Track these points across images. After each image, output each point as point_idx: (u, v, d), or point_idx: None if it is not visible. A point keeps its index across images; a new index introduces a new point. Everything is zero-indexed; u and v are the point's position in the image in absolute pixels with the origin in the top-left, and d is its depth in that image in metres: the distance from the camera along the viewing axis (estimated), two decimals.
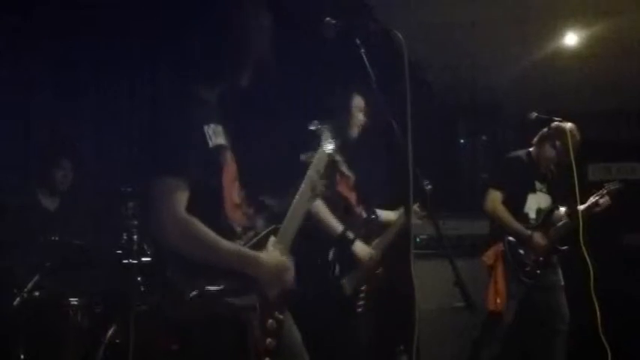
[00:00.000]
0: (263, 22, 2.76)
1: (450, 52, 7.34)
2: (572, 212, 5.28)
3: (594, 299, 4.83)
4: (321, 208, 4.10)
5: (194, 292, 2.44)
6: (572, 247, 5.10)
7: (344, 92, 4.42)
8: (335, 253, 4.20)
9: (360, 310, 4.28)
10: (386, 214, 4.71)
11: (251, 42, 2.71)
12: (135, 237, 4.66)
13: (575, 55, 7.23)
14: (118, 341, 4.61)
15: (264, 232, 2.74)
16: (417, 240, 6.18)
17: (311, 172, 3.08)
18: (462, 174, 9.56)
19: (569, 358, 5.39)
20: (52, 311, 4.66)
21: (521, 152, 5.51)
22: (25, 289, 4.59)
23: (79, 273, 4.89)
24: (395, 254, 4.42)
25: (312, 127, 3.34)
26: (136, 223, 4.72)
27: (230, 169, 2.73)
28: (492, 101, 9.19)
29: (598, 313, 4.84)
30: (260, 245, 2.69)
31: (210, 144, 2.62)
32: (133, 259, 4.64)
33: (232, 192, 2.73)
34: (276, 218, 2.90)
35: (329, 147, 3.22)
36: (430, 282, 5.20)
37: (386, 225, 4.62)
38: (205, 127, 2.63)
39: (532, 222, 5.35)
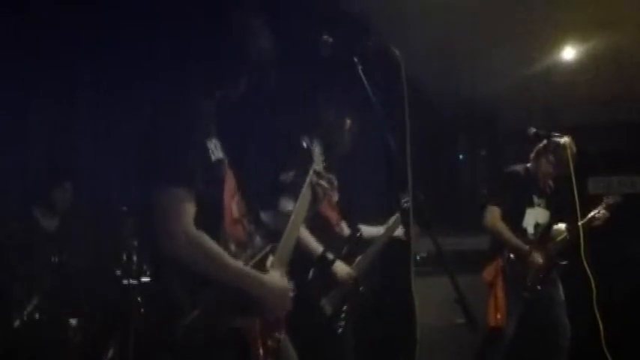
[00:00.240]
0: (261, 32, 2.75)
1: (447, 67, 7.35)
2: (572, 227, 5.28)
3: (596, 313, 4.83)
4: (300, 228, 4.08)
5: (190, 317, 2.41)
6: (573, 261, 5.08)
7: (330, 110, 4.40)
8: (314, 273, 4.17)
9: (340, 330, 4.25)
10: (369, 230, 4.69)
11: (249, 51, 2.70)
12: (134, 257, 4.66)
13: (574, 68, 7.24)
14: None
15: (263, 252, 2.72)
16: (417, 258, 6.16)
17: (305, 191, 3.08)
18: (461, 189, 9.56)
19: None
20: (52, 332, 4.64)
21: (518, 167, 5.51)
22: (25, 311, 4.57)
23: (79, 294, 4.87)
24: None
25: (303, 144, 3.34)
26: (135, 243, 4.71)
27: (230, 183, 2.71)
28: (491, 116, 9.19)
29: (601, 327, 4.83)
30: (259, 264, 2.67)
31: (213, 158, 2.61)
32: (133, 280, 4.63)
33: (232, 207, 2.71)
34: (273, 236, 2.89)
35: (320, 163, 3.23)
36: (430, 299, 5.18)
37: (369, 241, 4.60)
38: (207, 141, 2.62)
39: (531, 237, 5.35)
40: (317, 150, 3.40)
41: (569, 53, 7.02)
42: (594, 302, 4.87)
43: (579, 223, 5.18)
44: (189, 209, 2.45)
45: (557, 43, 6.86)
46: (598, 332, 4.86)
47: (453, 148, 9.74)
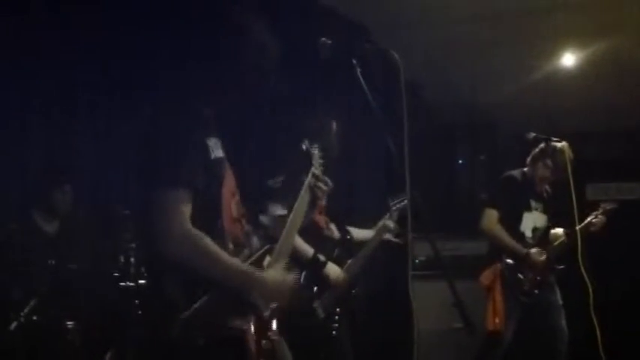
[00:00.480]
0: (262, 33, 2.76)
1: (447, 71, 7.36)
2: (569, 232, 5.29)
3: (593, 318, 4.84)
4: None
5: (187, 313, 2.40)
6: (570, 266, 5.09)
7: (318, 114, 4.40)
8: (306, 275, 4.17)
9: (335, 332, 4.25)
10: (358, 233, 4.69)
11: (250, 52, 2.70)
12: (132, 260, 4.65)
13: (573, 75, 7.25)
14: None
15: (260, 252, 2.72)
16: (416, 261, 6.15)
17: (304, 193, 3.09)
18: (460, 194, 9.56)
19: None
20: (50, 335, 4.63)
21: (515, 172, 5.53)
22: (23, 313, 4.56)
23: (77, 297, 4.86)
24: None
25: (303, 147, 3.34)
26: (133, 245, 4.71)
27: (229, 182, 2.71)
28: (490, 121, 9.20)
29: (598, 332, 4.84)
30: (256, 264, 2.67)
31: (212, 156, 2.61)
32: (130, 282, 4.62)
33: (231, 206, 2.71)
34: (270, 237, 2.89)
35: (319, 167, 3.23)
36: (428, 303, 5.17)
37: (359, 244, 4.61)
38: (207, 140, 2.61)
39: (528, 241, 5.36)
40: (316, 153, 3.40)
41: (568, 60, 7.03)
42: (591, 307, 4.88)
43: (577, 228, 5.18)
44: (187, 208, 2.45)
45: (557, 49, 6.87)
46: (595, 337, 4.85)
47: (453, 152, 9.75)
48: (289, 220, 2.97)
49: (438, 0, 5.89)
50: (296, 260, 4.01)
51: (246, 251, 2.70)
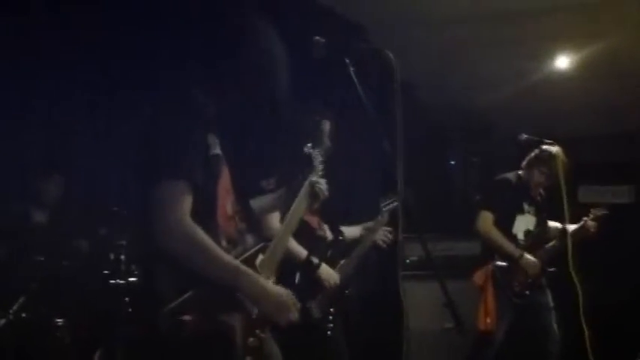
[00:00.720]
0: (265, 38, 2.75)
1: (441, 72, 7.37)
2: (561, 235, 5.32)
3: (582, 321, 4.85)
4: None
5: (172, 304, 2.40)
6: (562, 268, 5.11)
7: (312, 114, 4.39)
8: (300, 276, 4.17)
9: (330, 332, 4.25)
10: (350, 231, 4.69)
11: (252, 52, 2.70)
12: (122, 257, 4.64)
13: (567, 77, 7.26)
14: None
15: (253, 250, 2.71)
16: (407, 261, 6.16)
17: (302, 196, 3.09)
18: (453, 195, 9.57)
19: None
20: (38, 332, 4.62)
21: (510, 174, 5.55)
22: (11, 310, 4.54)
23: (66, 293, 4.85)
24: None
25: (305, 150, 3.35)
26: (123, 243, 4.69)
27: (225, 180, 2.71)
28: (484, 122, 9.21)
29: (587, 334, 4.85)
30: (249, 261, 2.66)
31: (210, 153, 2.61)
32: (120, 280, 4.61)
33: (226, 203, 2.71)
34: (264, 236, 2.89)
35: (320, 170, 3.24)
36: (419, 303, 5.18)
37: (352, 243, 4.61)
38: (207, 136, 2.62)
39: (521, 243, 5.38)
40: (318, 158, 3.40)
41: (562, 62, 7.03)
42: (580, 310, 4.90)
43: (568, 233, 5.22)
44: (186, 202, 2.45)
45: (551, 51, 6.88)
46: (584, 339, 4.87)
47: (445, 153, 9.76)
48: (285, 221, 2.97)
49: (432, 1, 5.89)
50: (290, 262, 4.02)
51: (239, 248, 2.70)
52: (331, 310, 4.28)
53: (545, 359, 5.30)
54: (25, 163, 5.40)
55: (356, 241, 4.63)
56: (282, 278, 3.98)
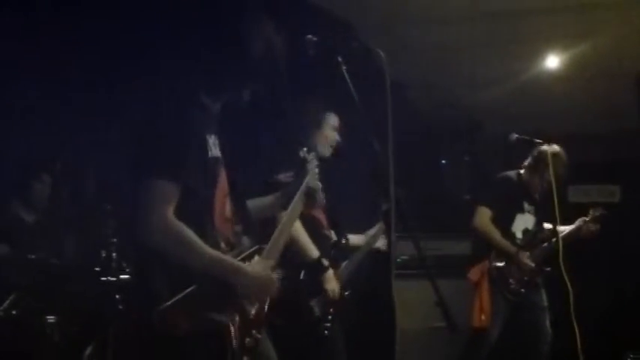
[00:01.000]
0: (270, 36, 2.76)
1: (432, 72, 7.38)
2: (560, 234, 5.34)
3: (574, 321, 4.87)
4: (299, 229, 4.09)
5: (167, 303, 2.40)
6: (556, 268, 5.13)
7: (317, 110, 4.41)
8: (305, 274, 4.18)
9: (327, 332, 4.26)
10: (354, 238, 4.72)
11: (257, 56, 2.71)
12: (114, 254, 4.63)
13: (557, 77, 7.28)
14: None
15: (248, 251, 2.72)
16: (398, 260, 6.16)
17: (298, 197, 3.09)
18: (443, 194, 9.56)
19: None
20: (29, 329, 4.60)
21: (511, 173, 5.58)
22: (2, 307, 4.53)
23: (57, 291, 4.83)
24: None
25: (300, 154, 3.36)
26: (115, 240, 4.69)
27: (223, 182, 2.72)
28: (474, 122, 9.23)
29: (577, 335, 4.87)
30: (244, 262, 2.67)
31: (210, 154, 2.62)
32: (112, 277, 4.61)
33: (224, 205, 2.72)
34: (262, 239, 2.89)
35: (315, 174, 3.25)
36: (410, 302, 5.19)
37: (354, 249, 4.64)
38: (207, 137, 2.63)
39: (519, 242, 5.40)
40: (313, 162, 3.40)
41: (552, 61, 7.05)
42: (571, 310, 4.91)
43: (566, 232, 5.26)
44: (170, 199, 2.47)
45: (541, 51, 6.90)
46: (576, 339, 4.89)
47: (436, 153, 9.76)
48: (281, 223, 2.98)
49: (424, 1, 5.90)
50: (300, 258, 4.04)
51: (235, 251, 2.71)
52: (331, 310, 4.30)
53: (535, 358, 5.33)
54: (14, 161, 5.38)
55: (358, 247, 4.66)
56: (289, 272, 4.03)
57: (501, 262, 5.31)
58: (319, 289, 4.23)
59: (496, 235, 5.31)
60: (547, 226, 5.54)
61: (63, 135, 5.55)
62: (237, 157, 2.92)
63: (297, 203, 3.11)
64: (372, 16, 5.98)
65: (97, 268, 4.68)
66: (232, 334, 2.55)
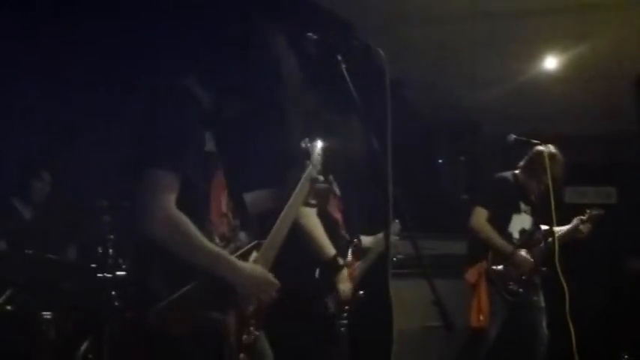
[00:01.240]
0: (273, 41, 2.76)
1: (431, 72, 7.38)
2: (556, 234, 5.34)
3: (569, 322, 4.87)
4: (317, 226, 4.09)
5: (164, 302, 2.40)
6: (553, 268, 5.14)
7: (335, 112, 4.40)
8: (321, 272, 4.18)
9: (342, 329, 4.25)
10: (365, 240, 4.71)
11: (264, 61, 2.71)
12: (110, 251, 4.62)
13: (555, 78, 7.29)
14: (91, 357, 4.56)
15: (247, 247, 2.72)
16: (394, 259, 6.16)
17: (299, 189, 3.08)
18: (439, 194, 9.57)
19: None
20: (24, 326, 4.59)
21: (508, 174, 5.58)
22: None
23: (53, 287, 4.83)
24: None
25: (302, 145, 3.34)
26: (111, 237, 4.68)
27: (220, 177, 2.72)
28: (472, 122, 9.24)
29: (573, 335, 4.88)
30: (242, 258, 2.66)
31: (207, 149, 2.63)
32: (108, 273, 4.60)
33: (220, 200, 2.71)
34: (259, 234, 2.88)
35: (317, 166, 3.22)
36: (405, 301, 5.20)
37: (365, 250, 4.63)
38: (205, 132, 2.65)
39: (515, 242, 5.40)
40: (316, 153, 3.38)
41: (551, 63, 7.07)
42: (567, 310, 4.92)
43: (563, 232, 5.27)
44: (172, 191, 2.47)
45: (539, 52, 6.91)
46: (571, 339, 4.89)
47: (434, 152, 9.77)
48: (280, 217, 2.96)
49: (423, 1, 5.90)
50: (315, 255, 4.03)
51: (232, 246, 2.70)
52: (346, 307, 4.29)
53: (532, 358, 5.33)
54: (14, 159, 5.38)
55: (368, 249, 4.66)
56: (304, 269, 4.02)
57: (499, 265, 5.31)
58: (333, 287, 4.22)
59: (493, 234, 5.32)
60: (544, 226, 5.55)
61: (62, 132, 5.56)
62: (234, 153, 2.91)
63: (297, 196, 3.09)
64: (372, 16, 5.99)
65: (93, 265, 4.67)
66: (229, 331, 2.54)
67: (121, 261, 4.69)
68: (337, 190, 4.31)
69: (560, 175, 5.26)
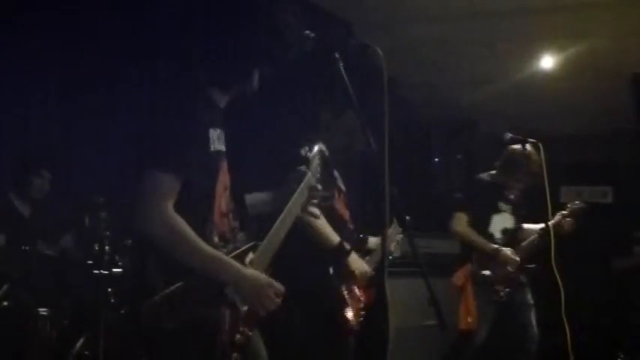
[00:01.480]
0: (280, 22, 2.77)
1: (426, 70, 7.39)
2: (540, 231, 5.35)
3: (564, 319, 4.88)
4: (321, 221, 4.07)
5: (157, 297, 2.40)
6: (542, 265, 5.14)
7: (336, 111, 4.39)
8: (334, 268, 4.16)
9: (360, 320, 4.23)
10: (372, 241, 4.71)
11: (267, 42, 2.71)
12: (106, 247, 4.63)
13: (552, 77, 7.30)
14: (87, 352, 4.57)
15: (243, 248, 2.71)
16: (390, 258, 6.16)
17: (297, 195, 3.08)
18: (435, 192, 9.58)
19: None
20: (21, 321, 4.60)
21: (484, 175, 5.61)
22: None
23: (49, 283, 4.84)
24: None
25: (302, 152, 3.34)
26: (107, 233, 4.69)
27: (224, 176, 2.72)
28: (468, 120, 9.25)
29: (568, 333, 4.88)
30: (238, 259, 2.66)
31: (212, 148, 2.62)
32: (104, 270, 4.60)
33: (222, 200, 2.72)
34: (257, 235, 2.88)
35: (315, 175, 3.23)
36: (399, 300, 5.21)
37: (369, 251, 4.63)
38: (211, 131, 2.63)
39: (498, 242, 5.39)
40: (315, 161, 3.38)
41: (547, 62, 7.07)
42: (562, 308, 4.92)
43: (550, 224, 5.26)
44: (171, 193, 2.46)
45: (536, 51, 6.91)
46: (566, 337, 4.90)
47: (429, 151, 9.78)
48: (278, 220, 2.96)
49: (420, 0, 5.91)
50: (322, 247, 4.02)
51: (230, 246, 2.70)
52: (361, 298, 4.26)
53: (524, 357, 5.33)
54: (14, 156, 5.39)
55: (373, 250, 4.65)
56: (317, 266, 4.01)
57: (485, 266, 5.31)
58: (347, 277, 4.20)
59: (475, 237, 5.33)
60: (526, 224, 5.56)
61: (63, 130, 5.56)
62: (240, 153, 2.92)
63: (296, 201, 3.09)
64: (371, 15, 5.99)
65: (89, 261, 4.67)
66: (222, 329, 2.54)
67: (117, 257, 4.70)
68: (342, 186, 4.30)
69: (538, 173, 5.25)
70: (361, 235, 4.51)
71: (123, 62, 5.35)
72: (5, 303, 4.57)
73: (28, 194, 5.31)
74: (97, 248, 4.64)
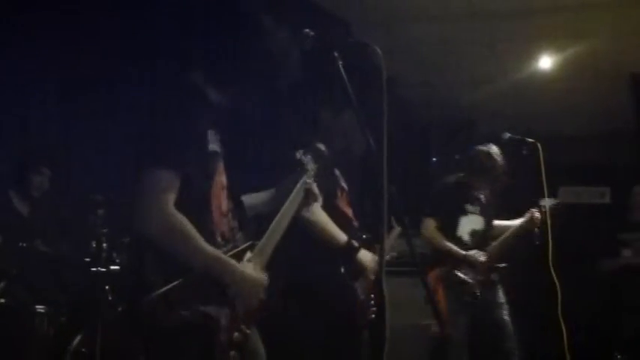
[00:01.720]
0: (282, 31, 2.77)
1: (425, 70, 7.39)
2: (516, 230, 5.36)
3: (561, 320, 4.88)
4: (323, 218, 4.07)
5: (155, 293, 2.40)
6: (513, 264, 5.15)
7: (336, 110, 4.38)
8: (345, 266, 4.16)
9: (373, 316, 4.23)
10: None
11: (270, 49, 2.72)
12: (104, 245, 4.63)
13: (550, 78, 7.30)
14: (84, 350, 4.56)
15: (241, 247, 2.72)
16: (387, 257, 6.16)
17: (294, 197, 3.08)
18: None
19: None
20: (18, 318, 4.60)
21: (450, 178, 5.60)
22: None
23: (47, 280, 4.83)
24: None
25: (297, 156, 3.34)
26: (105, 231, 4.69)
27: (221, 176, 2.72)
28: (466, 120, 9.25)
29: (564, 334, 4.88)
30: (236, 258, 2.67)
31: (210, 148, 2.63)
32: (101, 267, 4.60)
33: (221, 200, 2.72)
34: (256, 235, 2.88)
35: (311, 177, 3.23)
36: (396, 299, 5.20)
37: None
38: (209, 131, 2.63)
39: (467, 244, 5.37)
40: (310, 163, 3.38)
41: (545, 63, 7.08)
42: (559, 309, 4.92)
43: (511, 229, 5.32)
44: (171, 191, 2.47)
45: (534, 52, 6.92)
46: (562, 338, 4.90)
47: (428, 151, 9.78)
48: (275, 220, 2.96)
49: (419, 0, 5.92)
50: (330, 247, 4.02)
51: (229, 245, 2.71)
52: (372, 295, 4.26)
53: (503, 356, 5.30)
54: (14, 154, 5.39)
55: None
56: (328, 264, 4.01)
57: (454, 269, 5.30)
58: (358, 272, 4.19)
59: (442, 241, 5.32)
60: (497, 223, 5.55)
61: (62, 129, 5.56)
62: (238, 153, 2.92)
63: (292, 201, 3.09)
64: (370, 14, 6.00)
65: (87, 259, 4.67)
66: (220, 327, 2.55)
67: (114, 255, 4.70)
68: (345, 185, 4.29)
69: (501, 176, 5.27)
70: (364, 236, 4.51)
71: (122, 62, 5.35)
72: (2, 300, 4.57)
73: (28, 192, 5.30)
74: (94, 245, 4.64)
